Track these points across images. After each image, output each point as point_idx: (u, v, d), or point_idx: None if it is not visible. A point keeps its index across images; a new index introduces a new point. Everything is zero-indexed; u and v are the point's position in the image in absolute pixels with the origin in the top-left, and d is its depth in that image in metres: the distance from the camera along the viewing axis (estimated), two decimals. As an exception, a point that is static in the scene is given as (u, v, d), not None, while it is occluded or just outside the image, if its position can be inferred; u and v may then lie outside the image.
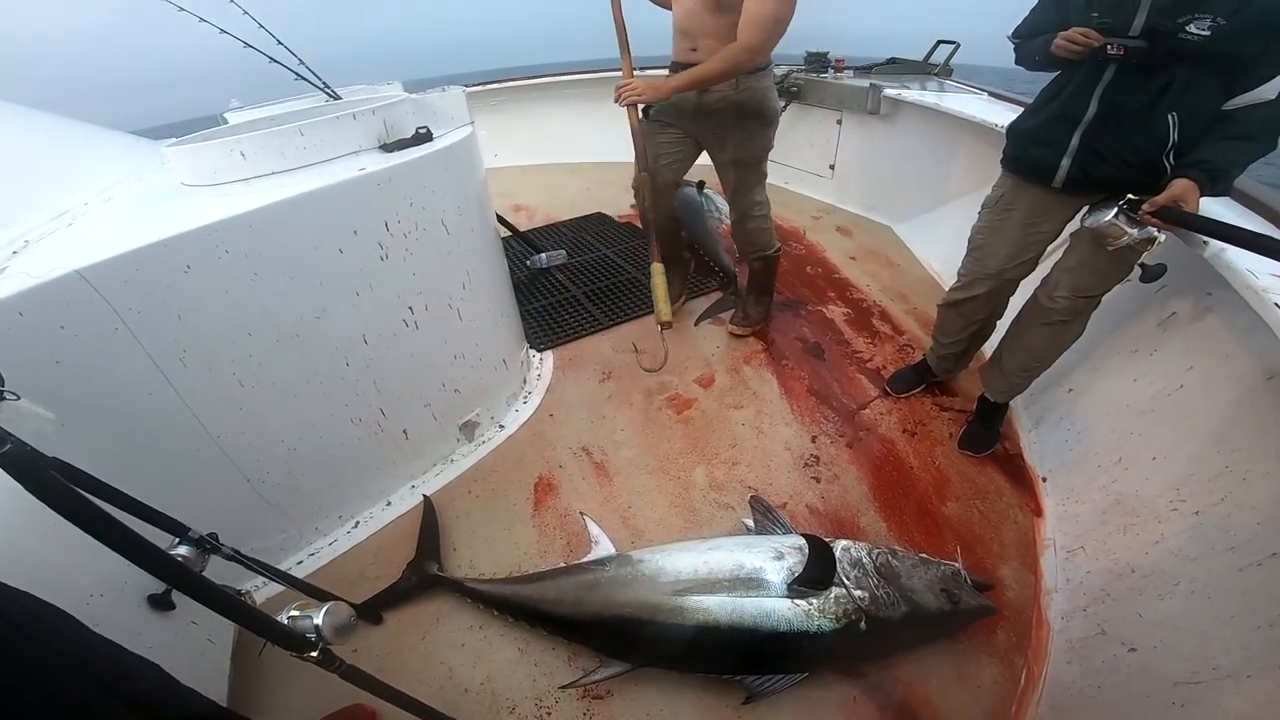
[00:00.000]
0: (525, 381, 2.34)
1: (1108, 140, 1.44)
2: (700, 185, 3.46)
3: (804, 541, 1.43)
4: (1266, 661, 1.06)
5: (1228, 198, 1.70)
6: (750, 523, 1.70)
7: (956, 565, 1.47)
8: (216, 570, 1.07)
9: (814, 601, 1.33)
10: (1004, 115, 2.67)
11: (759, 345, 2.56)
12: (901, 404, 2.23)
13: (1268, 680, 1.04)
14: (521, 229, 3.33)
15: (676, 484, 1.94)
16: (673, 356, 2.46)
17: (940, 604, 1.40)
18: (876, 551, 1.47)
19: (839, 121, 3.85)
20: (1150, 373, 1.74)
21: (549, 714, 1.39)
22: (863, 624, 1.32)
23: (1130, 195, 1.41)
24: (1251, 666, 1.08)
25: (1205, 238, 1.40)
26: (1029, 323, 1.82)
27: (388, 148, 1.57)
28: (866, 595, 1.36)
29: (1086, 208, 1.55)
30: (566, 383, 2.40)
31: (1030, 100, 1.72)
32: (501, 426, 2.17)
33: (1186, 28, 1.23)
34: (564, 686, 1.42)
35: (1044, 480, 1.89)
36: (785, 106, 4.03)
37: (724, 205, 3.30)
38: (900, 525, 1.78)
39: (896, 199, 3.58)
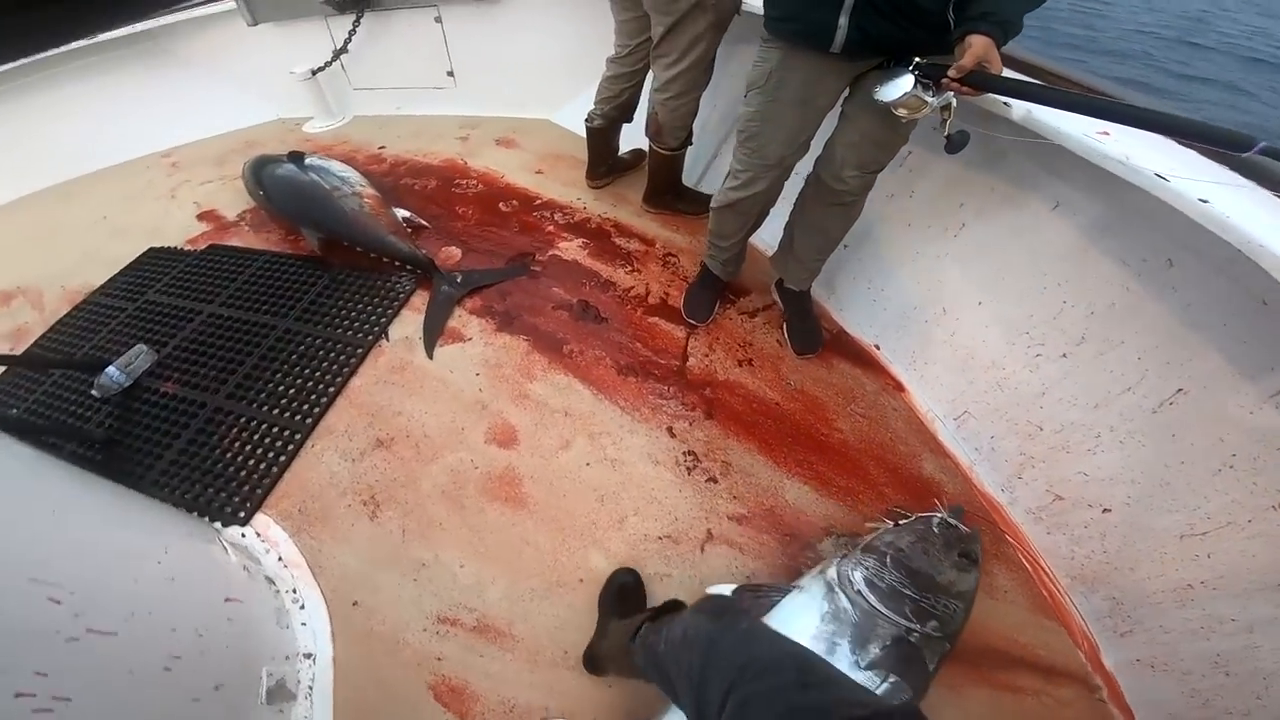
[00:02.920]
0: (277, 593, 1.30)
1: None
2: (298, 156, 2.35)
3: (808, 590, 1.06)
4: (1251, 504, 1.06)
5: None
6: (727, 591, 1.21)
7: (940, 515, 1.24)
8: None
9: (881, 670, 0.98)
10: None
11: (523, 344, 1.88)
12: (714, 332, 1.89)
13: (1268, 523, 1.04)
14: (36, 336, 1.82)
15: (584, 592, 1.32)
16: (429, 411, 1.66)
17: (965, 568, 1.17)
18: (867, 562, 1.15)
19: (438, 19, 2.93)
20: (926, 216, 1.70)
21: None
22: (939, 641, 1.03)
23: (917, 59, 1.18)
24: (1240, 511, 1.07)
25: (1008, 99, 1.24)
26: (816, 204, 1.61)
27: None
28: (914, 620, 1.05)
29: (873, 77, 1.27)
30: (323, 545, 1.43)
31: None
32: (309, 657, 1.21)
33: None
34: None
35: (878, 349, 1.81)
36: (357, 18, 2.93)
37: (344, 171, 2.32)
38: (823, 480, 1.52)
39: (542, 85, 2.98)
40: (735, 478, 1.52)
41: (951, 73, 1.12)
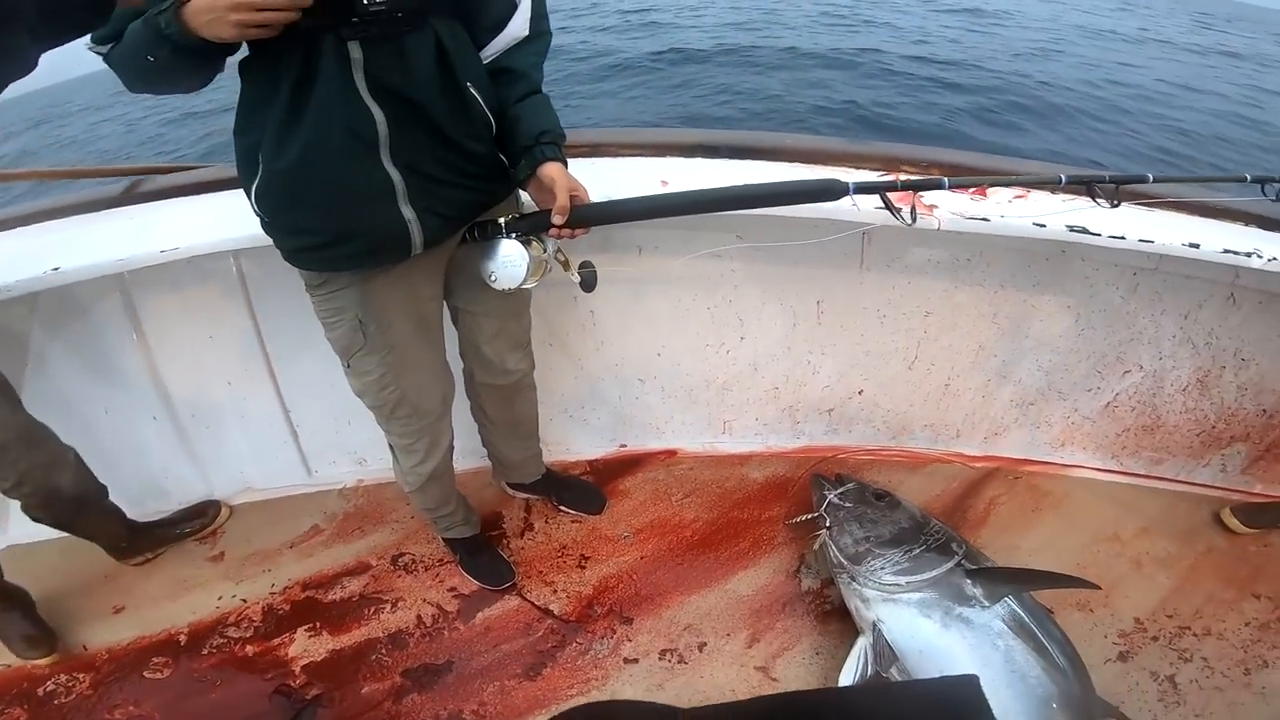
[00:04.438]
0: None
1: (424, 153, 0.96)
2: None
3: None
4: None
5: None
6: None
7: (830, 496, 1.57)
8: None
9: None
10: None
11: None
12: (530, 570, 1.67)
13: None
14: None
15: None
16: None
17: (894, 503, 1.56)
18: (870, 569, 1.40)
19: None
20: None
21: None
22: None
23: (502, 221, 1.03)
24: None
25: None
26: (496, 407, 1.51)
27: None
28: (946, 555, 1.39)
29: (473, 261, 1.09)
30: None
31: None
32: None
33: None
34: None
35: (625, 445, 1.95)
36: None
37: None
38: (732, 560, 1.67)
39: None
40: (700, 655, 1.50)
41: (556, 219, 0.97)
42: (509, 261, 1.02)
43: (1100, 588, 1.46)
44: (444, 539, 1.64)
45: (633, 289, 1.67)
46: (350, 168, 0.91)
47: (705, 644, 1.51)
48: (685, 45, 9.89)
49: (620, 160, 1.54)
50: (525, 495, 1.81)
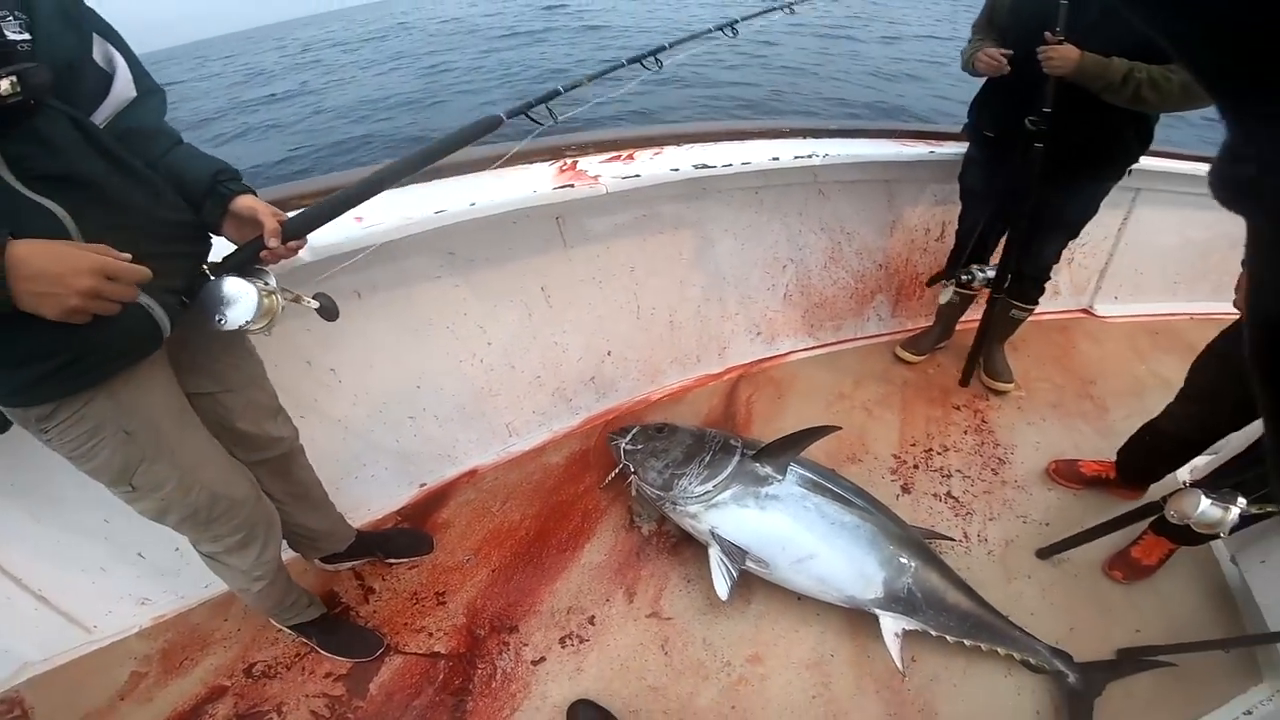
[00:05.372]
0: None
1: (125, 232, 0.89)
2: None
3: None
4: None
5: None
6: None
7: (622, 444, 1.76)
8: None
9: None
10: None
11: None
12: (398, 635, 1.57)
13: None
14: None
15: None
16: None
17: (671, 429, 1.79)
18: (688, 479, 1.61)
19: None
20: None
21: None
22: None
23: (204, 266, 1.01)
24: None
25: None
26: (275, 483, 1.40)
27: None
28: (736, 449, 1.67)
29: (200, 318, 1.01)
30: None
31: None
32: None
33: None
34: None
35: (423, 485, 1.94)
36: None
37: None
38: (565, 543, 1.76)
39: None
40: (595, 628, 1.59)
41: (271, 241, 0.98)
42: (233, 297, 0.98)
43: (841, 427, 1.87)
44: (293, 628, 1.49)
45: (365, 332, 1.68)
46: None
47: (593, 616, 1.60)
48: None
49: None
50: (348, 565, 1.70)
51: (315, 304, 1.09)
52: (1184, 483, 1.60)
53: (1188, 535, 1.54)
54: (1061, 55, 1.57)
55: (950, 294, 2.27)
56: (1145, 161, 1.87)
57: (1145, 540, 1.71)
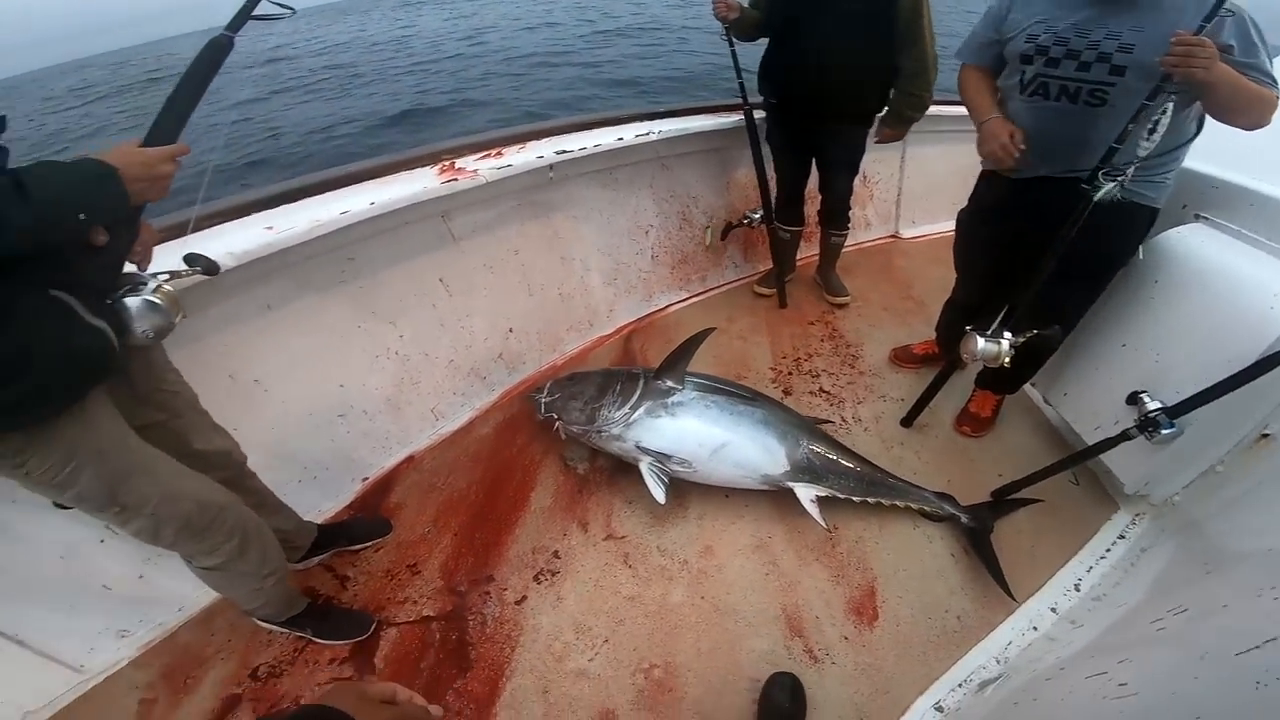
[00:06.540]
0: None
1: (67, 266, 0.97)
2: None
3: None
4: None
5: None
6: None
7: (542, 398, 2.01)
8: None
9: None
10: None
11: None
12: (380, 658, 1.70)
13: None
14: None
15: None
16: None
17: (581, 376, 2.06)
18: (609, 410, 1.87)
19: None
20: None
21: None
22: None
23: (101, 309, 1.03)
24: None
25: None
26: (241, 492, 1.49)
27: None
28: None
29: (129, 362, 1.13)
30: None
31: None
32: None
33: None
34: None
35: (366, 478, 2.07)
36: None
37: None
38: (508, 507, 1.98)
39: None
40: (562, 560, 1.81)
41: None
42: (141, 313, 1.04)
43: (716, 328, 2.25)
44: (287, 623, 1.56)
45: (282, 342, 1.78)
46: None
47: (557, 551, 1.79)
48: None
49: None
50: (317, 559, 1.79)
51: (195, 268, 1.15)
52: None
53: (999, 381, 2.05)
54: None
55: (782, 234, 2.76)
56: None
57: (976, 395, 2.18)
